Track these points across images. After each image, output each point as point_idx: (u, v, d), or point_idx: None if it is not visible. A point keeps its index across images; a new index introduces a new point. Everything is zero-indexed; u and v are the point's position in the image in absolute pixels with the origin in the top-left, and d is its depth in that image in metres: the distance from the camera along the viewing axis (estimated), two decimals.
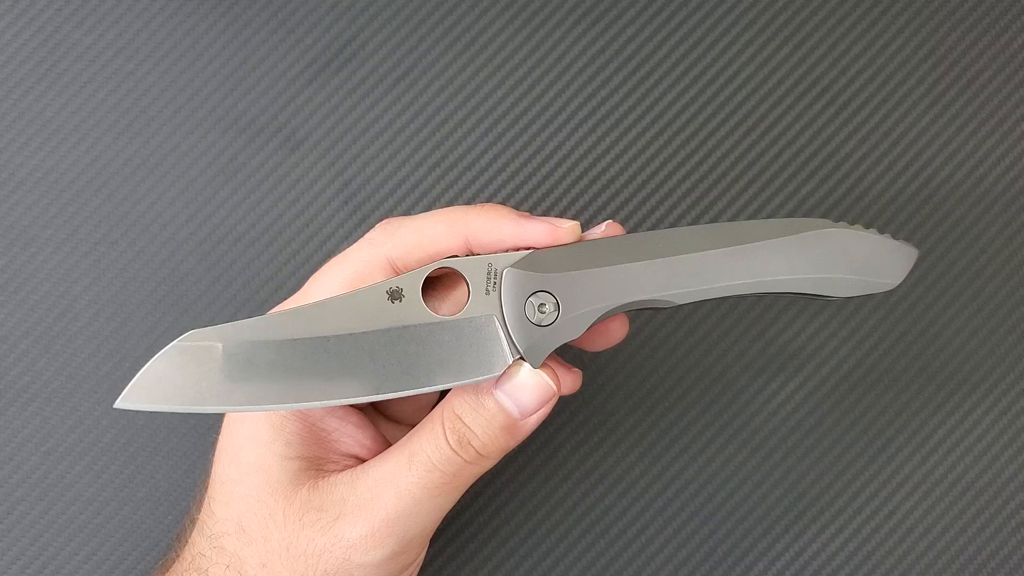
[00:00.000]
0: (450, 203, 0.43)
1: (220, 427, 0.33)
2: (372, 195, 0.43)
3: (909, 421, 0.42)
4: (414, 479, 0.30)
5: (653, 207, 0.43)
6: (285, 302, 0.33)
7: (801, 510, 0.41)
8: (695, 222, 0.43)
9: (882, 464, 0.42)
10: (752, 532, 0.41)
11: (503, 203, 0.42)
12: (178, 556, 0.33)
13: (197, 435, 0.41)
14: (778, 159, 0.43)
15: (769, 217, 0.43)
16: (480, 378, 0.29)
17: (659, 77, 0.43)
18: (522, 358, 0.29)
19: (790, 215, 0.42)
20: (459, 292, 0.32)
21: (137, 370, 0.28)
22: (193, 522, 0.33)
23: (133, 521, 0.41)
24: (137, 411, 0.28)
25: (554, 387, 0.30)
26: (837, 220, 0.42)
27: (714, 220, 0.43)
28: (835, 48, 0.43)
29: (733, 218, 0.43)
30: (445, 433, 0.30)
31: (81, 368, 0.41)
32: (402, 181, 0.43)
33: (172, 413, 0.34)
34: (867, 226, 0.34)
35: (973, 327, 0.42)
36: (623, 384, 0.42)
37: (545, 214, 0.43)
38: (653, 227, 0.43)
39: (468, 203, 0.43)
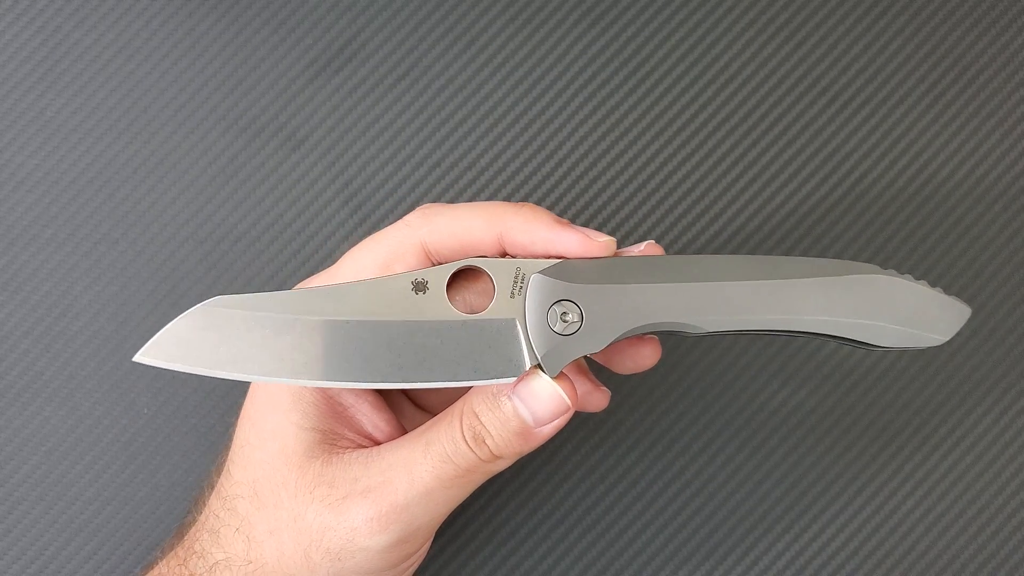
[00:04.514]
0: (451, 203, 0.43)
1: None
2: (372, 195, 0.43)
3: (909, 421, 0.42)
4: (428, 467, 0.30)
5: (653, 207, 0.43)
6: (318, 275, 0.33)
7: (801, 510, 0.41)
8: (695, 222, 0.43)
9: (882, 464, 0.42)
10: (752, 532, 0.41)
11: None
12: (194, 520, 0.34)
13: (197, 435, 0.41)
14: (778, 159, 0.43)
15: (769, 219, 0.43)
16: (495, 380, 0.29)
17: (659, 77, 0.43)
18: (539, 365, 0.29)
19: (790, 215, 0.43)
20: (485, 283, 0.32)
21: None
22: (211, 486, 0.34)
23: (133, 521, 0.41)
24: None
25: (568, 402, 0.30)
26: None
27: (715, 221, 0.43)
28: (835, 48, 0.43)
29: (734, 219, 0.43)
30: (462, 428, 0.30)
31: (81, 368, 0.41)
32: (402, 181, 0.43)
33: (189, 374, 0.34)
34: (918, 278, 0.33)
35: (973, 327, 0.42)
36: (624, 384, 0.42)
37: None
38: (653, 228, 0.43)
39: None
